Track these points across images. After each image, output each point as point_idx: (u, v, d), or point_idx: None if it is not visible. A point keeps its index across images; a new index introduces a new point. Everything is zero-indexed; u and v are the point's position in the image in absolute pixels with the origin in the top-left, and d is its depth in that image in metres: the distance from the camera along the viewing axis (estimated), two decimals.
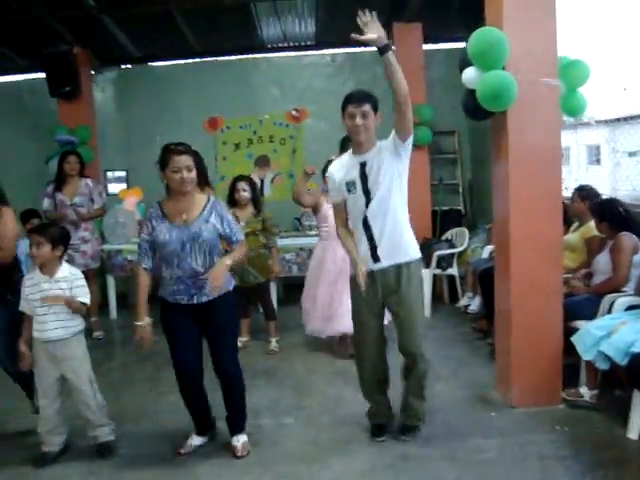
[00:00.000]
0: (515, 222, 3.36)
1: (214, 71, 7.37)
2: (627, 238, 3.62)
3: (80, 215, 5.19)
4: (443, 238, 6.28)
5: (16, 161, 7.07)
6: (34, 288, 3.00)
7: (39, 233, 3.00)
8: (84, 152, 5.89)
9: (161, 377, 4.08)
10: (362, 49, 6.92)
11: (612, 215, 3.74)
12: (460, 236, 6.11)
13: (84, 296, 3.04)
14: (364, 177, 2.93)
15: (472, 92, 3.31)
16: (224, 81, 7.27)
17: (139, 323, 2.91)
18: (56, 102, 6.51)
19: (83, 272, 3.30)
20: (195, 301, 2.92)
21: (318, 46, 7.45)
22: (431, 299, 5.63)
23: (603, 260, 3.77)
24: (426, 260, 5.69)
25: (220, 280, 2.82)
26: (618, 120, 6.89)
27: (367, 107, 2.85)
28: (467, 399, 3.61)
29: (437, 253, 5.75)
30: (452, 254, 5.87)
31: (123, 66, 7.54)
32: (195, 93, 7.21)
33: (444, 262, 5.79)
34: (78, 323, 3.07)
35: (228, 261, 2.88)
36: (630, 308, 3.38)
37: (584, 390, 3.36)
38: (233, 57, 7.46)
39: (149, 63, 7.51)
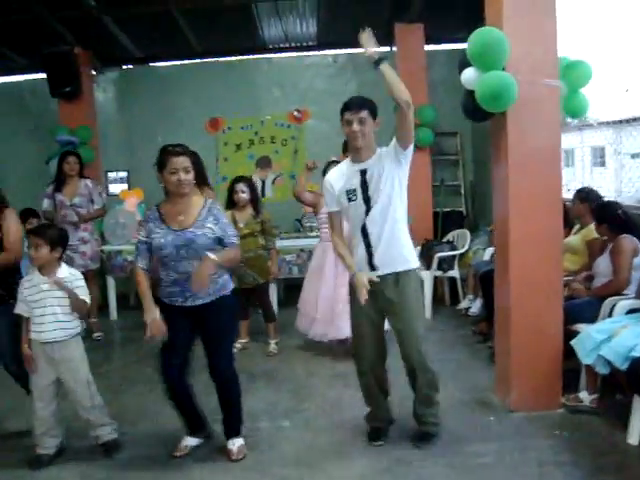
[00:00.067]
0: (515, 222, 3.34)
1: (215, 72, 7.36)
2: (627, 240, 3.60)
3: (80, 216, 5.19)
4: (444, 240, 6.25)
5: (16, 161, 7.09)
6: (33, 289, 2.99)
7: (37, 235, 2.99)
8: (85, 153, 5.90)
9: None
10: (364, 50, 6.88)
11: (611, 217, 3.72)
12: (461, 238, 6.09)
13: (84, 296, 3.04)
14: (364, 185, 2.90)
15: (471, 93, 3.29)
16: (225, 82, 7.25)
17: (150, 318, 2.80)
18: (57, 102, 6.51)
19: (82, 273, 3.29)
20: (189, 303, 2.90)
21: (320, 47, 7.43)
22: (432, 301, 5.61)
23: (604, 263, 3.74)
24: (427, 262, 5.68)
25: (204, 277, 2.74)
26: (621, 122, 6.85)
27: (364, 114, 2.84)
28: (466, 403, 3.58)
29: (438, 255, 5.73)
30: (453, 256, 5.84)
31: (124, 66, 7.54)
32: (196, 94, 7.20)
33: (445, 264, 5.77)
34: (76, 325, 3.06)
35: (213, 256, 2.75)
36: (631, 311, 3.35)
37: (584, 395, 3.33)
38: (234, 58, 7.45)
39: (150, 64, 7.51)
